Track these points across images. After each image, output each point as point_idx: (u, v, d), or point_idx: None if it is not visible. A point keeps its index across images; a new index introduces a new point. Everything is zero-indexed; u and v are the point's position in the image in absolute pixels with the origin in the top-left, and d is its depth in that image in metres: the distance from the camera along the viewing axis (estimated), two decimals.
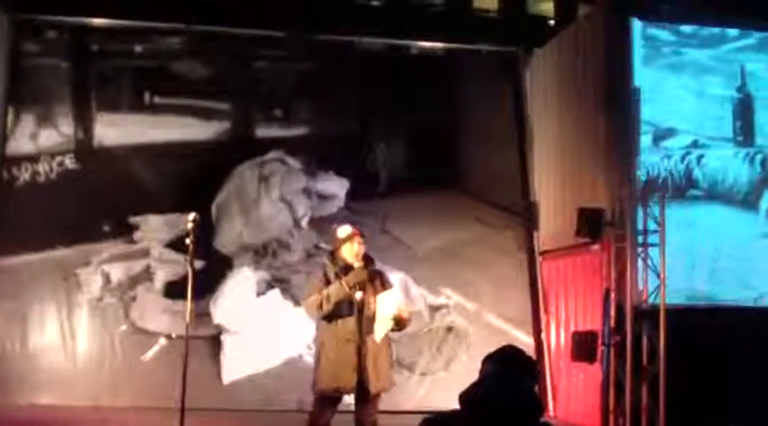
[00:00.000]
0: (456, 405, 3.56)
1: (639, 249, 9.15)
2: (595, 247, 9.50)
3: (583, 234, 9.30)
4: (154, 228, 10.81)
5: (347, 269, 6.77)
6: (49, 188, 10.86)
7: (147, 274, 10.74)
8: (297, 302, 10.56)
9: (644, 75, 9.79)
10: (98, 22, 11.08)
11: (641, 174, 9.60)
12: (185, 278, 7.23)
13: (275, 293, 10.69)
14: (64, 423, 9.09)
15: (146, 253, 10.80)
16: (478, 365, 3.74)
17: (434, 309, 10.95)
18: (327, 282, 6.75)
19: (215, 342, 10.48)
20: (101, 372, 10.32)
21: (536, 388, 3.81)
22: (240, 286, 10.77)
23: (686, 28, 10.17)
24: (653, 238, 9.09)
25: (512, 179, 11.67)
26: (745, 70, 10.24)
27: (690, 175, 9.99)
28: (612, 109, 9.62)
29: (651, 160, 9.81)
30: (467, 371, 3.51)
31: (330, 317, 6.70)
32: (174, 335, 10.26)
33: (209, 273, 10.38)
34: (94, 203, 10.73)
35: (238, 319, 10.55)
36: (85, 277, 10.58)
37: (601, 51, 9.86)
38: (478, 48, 11.79)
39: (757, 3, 9.96)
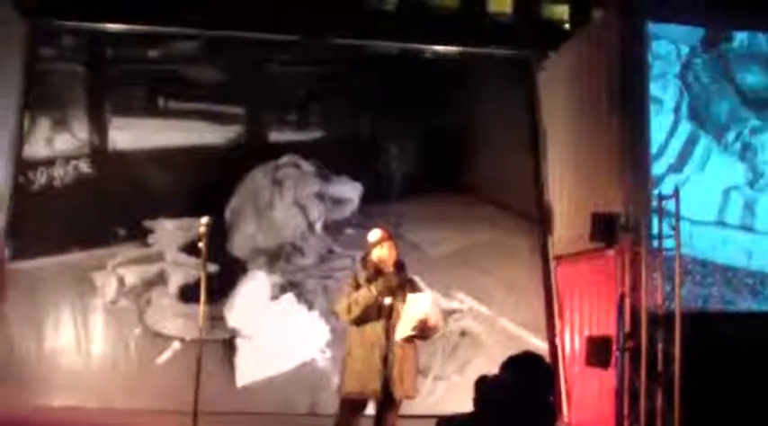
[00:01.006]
0: (468, 409, 3.58)
1: (654, 254, 9.12)
2: (610, 252, 9.46)
3: (597, 239, 9.28)
4: (168, 232, 10.84)
5: (378, 273, 6.78)
6: (64, 192, 10.90)
7: (161, 278, 10.76)
8: (311, 306, 10.61)
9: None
10: (113, 27, 11.12)
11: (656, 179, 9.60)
12: (199, 281, 7.30)
13: (289, 297, 10.69)
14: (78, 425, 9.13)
15: (160, 257, 10.83)
16: (491, 369, 3.74)
17: (448, 313, 10.92)
18: (358, 287, 6.76)
19: (229, 346, 10.49)
20: (115, 375, 10.34)
21: (551, 396, 3.81)
22: (254, 290, 10.79)
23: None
24: (668, 242, 9.07)
25: (526, 183, 11.62)
26: None
27: None
28: (627, 113, 9.59)
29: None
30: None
31: (358, 322, 6.70)
32: (187, 339, 10.27)
33: (223, 277, 10.42)
34: (109, 207, 10.77)
35: (252, 323, 10.57)
36: (100, 280, 10.61)
37: (614, 55, 9.82)
38: (492, 52, 11.76)
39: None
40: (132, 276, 10.70)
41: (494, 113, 11.76)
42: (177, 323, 10.46)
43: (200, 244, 7.11)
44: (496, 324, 10.94)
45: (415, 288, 6.95)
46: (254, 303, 10.71)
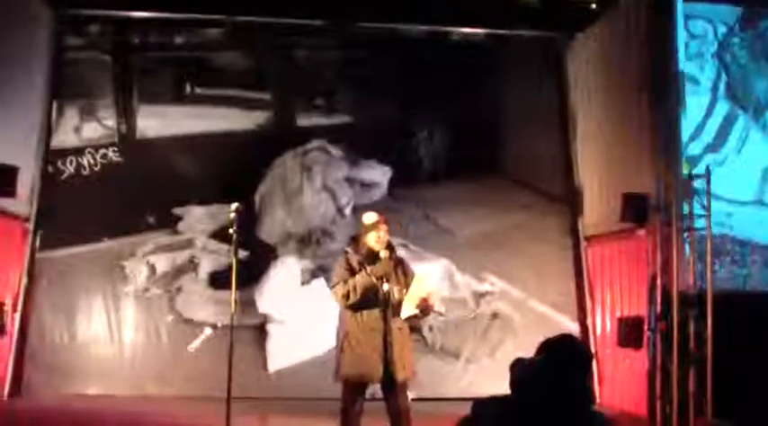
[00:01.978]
0: (501, 392, 3.56)
1: (686, 234, 9.04)
2: (641, 232, 9.41)
3: (628, 219, 9.23)
4: (197, 219, 10.88)
5: (371, 256, 6.75)
6: (93, 181, 10.95)
7: (191, 265, 10.81)
8: None
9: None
10: (139, 14, 11.11)
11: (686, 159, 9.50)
12: (229, 268, 7.32)
13: (320, 282, 10.68)
14: (111, 413, 9.17)
15: (190, 244, 10.87)
16: (523, 352, 3.72)
17: (479, 296, 10.91)
18: (351, 270, 6.73)
19: (260, 332, 10.54)
20: (147, 362, 10.42)
21: (589, 380, 3.78)
22: (284, 275, 10.82)
23: None
24: (699, 222, 8.99)
25: (555, 164, 11.55)
26: None
27: None
28: (656, 93, 9.49)
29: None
30: (512, 358, 3.48)
31: (356, 307, 6.70)
32: (219, 325, 10.33)
33: (254, 263, 10.45)
34: (138, 195, 10.80)
35: (283, 308, 10.60)
36: (131, 268, 10.68)
37: (644, 35, 9.72)
38: (520, 34, 11.67)
39: None
40: (163, 263, 10.75)
41: (522, 95, 11.68)
42: (208, 309, 10.52)
43: (231, 231, 7.12)
44: (527, 306, 10.92)
45: (405, 268, 6.95)
46: (285, 288, 10.74)
